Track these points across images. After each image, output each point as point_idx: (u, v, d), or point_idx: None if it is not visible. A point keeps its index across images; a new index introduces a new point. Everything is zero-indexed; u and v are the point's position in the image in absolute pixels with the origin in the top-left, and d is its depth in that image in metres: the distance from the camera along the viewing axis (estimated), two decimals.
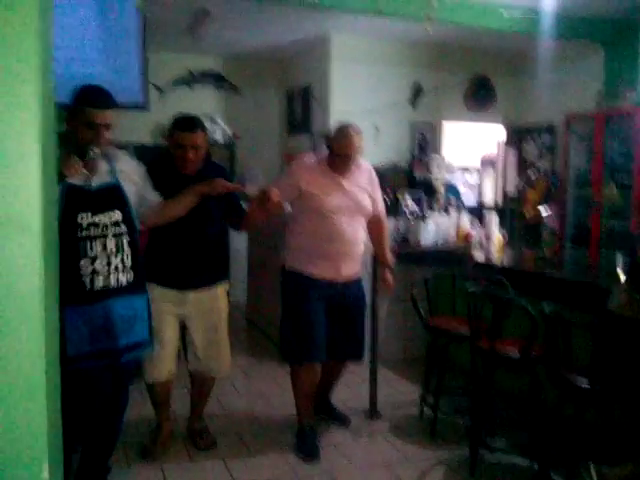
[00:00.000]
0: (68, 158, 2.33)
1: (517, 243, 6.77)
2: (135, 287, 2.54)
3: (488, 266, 3.78)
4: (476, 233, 4.48)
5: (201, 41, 6.60)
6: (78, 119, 2.43)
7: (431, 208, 4.72)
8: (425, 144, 7.17)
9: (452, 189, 6.09)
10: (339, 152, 3.13)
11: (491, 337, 2.94)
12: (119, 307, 2.48)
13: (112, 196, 2.50)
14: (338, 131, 3.21)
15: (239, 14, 5.81)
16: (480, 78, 7.17)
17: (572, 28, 5.65)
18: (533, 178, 6.55)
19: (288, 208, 3.28)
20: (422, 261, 4.33)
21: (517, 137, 7.25)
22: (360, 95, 6.63)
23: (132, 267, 2.53)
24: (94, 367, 2.44)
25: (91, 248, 2.41)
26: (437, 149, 7.23)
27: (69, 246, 2.33)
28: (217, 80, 7.60)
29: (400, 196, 4.69)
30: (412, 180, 4.97)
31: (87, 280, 2.40)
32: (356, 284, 3.35)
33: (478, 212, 6.53)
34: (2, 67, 1.10)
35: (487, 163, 8.33)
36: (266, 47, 7.16)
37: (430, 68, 6.91)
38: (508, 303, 2.95)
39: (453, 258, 4.09)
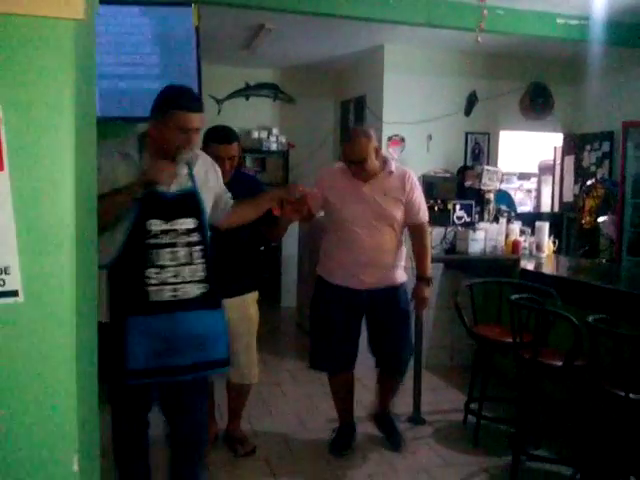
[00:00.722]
0: (159, 164, 2.23)
1: (573, 251, 6.68)
2: (208, 301, 2.34)
3: (536, 274, 3.76)
4: (526, 241, 4.46)
5: (256, 55, 6.80)
6: (169, 123, 2.23)
7: (481, 217, 4.72)
8: (480, 153, 7.16)
9: (504, 198, 6.04)
10: (346, 158, 3.08)
11: (534, 346, 2.94)
12: (187, 322, 2.29)
13: (188, 203, 2.32)
14: (347, 136, 3.15)
15: (295, 27, 5.97)
16: (537, 86, 7.10)
17: (628, 35, 5.55)
18: (590, 186, 6.42)
19: (320, 213, 3.25)
20: (469, 269, 4.34)
21: (575, 144, 7.14)
22: (413, 105, 6.69)
23: (205, 279, 2.32)
24: (150, 385, 2.33)
25: (159, 257, 2.24)
26: (493, 158, 7.22)
27: (136, 253, 2.22)
28: (273, 91, 7.80)
29: (450, 205, 4.71)
30: (462, 189, 4.98)
31: (152, 290, 2.23)
32: (388, 293, 3.18)
33: (534, 218, 6.48)
34: (39, 99, 1.20)
35: (545, 169, 8.24)
36: (321, 58, 7.31)
37: (485, 77, 6.90)
38: (549, 313, 2.95)
39: (501, 266, 4.08)
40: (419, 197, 3.20)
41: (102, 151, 2.02)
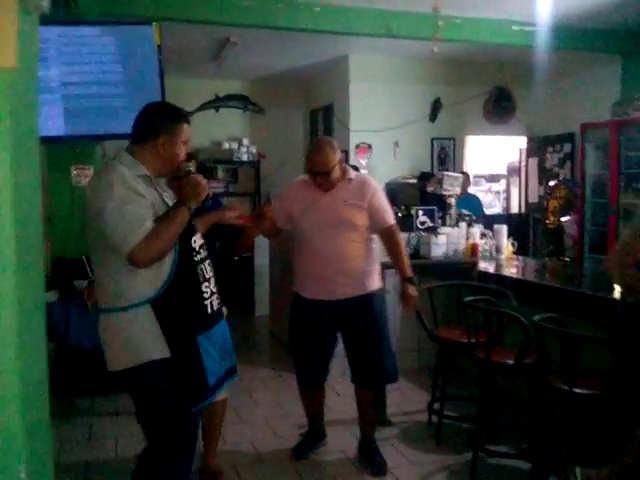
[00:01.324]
0: (198, 179, 2.26)
1: (539, 252, 6.85)
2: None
3: (492, 276, 3.89)
4: (486, 244, 4.59)
5: (224, 67, 6.90)
6: (179, 137, 2.25)
7: (444, 222, 4.85)
8: (446, 158, 7.32)
9: (471, 201, 6.19)
10: (312, 169, 3.08)
11: (487, 346, 3.06)
12: (226, 325, 2.45)
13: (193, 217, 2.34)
14: (312, 147, 3.19)
15: (259, 40, 6.08)
16: (500, 90, 7.28)
17: (589, 40, 5.74)
18: (553, 186, 6.59)
19: (284, 227, 3.28)
20: (432, 273, 4.46)
21: (538, 147, 7.32)
22: (379, 112, 6.83)
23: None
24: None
25: (206, 270, 2.31)
26: (459, 162, 7.38)
27: (189, 272, 2.24)
28: (242, 102, 7.89)
29: (413, 211, 4.83)
30: (425, 195, 5.11)
31: (208, 303, 2.29)
32: (360, 301, 3.13)
33: (503, 220, 6.63)
34: None
35: (513, 171, 8.41)
36: (288, 69, 7.43)
37: (449, 83, 7.07)
38: (499, 313, 3.07)
39: (461, 269, 4.21)
40: (381, 201, 3.18)
41: (128, 175, 2.11)
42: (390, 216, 3.22)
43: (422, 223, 4.77)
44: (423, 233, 4.70)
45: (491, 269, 4.06)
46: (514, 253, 4.58)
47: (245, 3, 4.86)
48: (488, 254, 4.51)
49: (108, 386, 4.35)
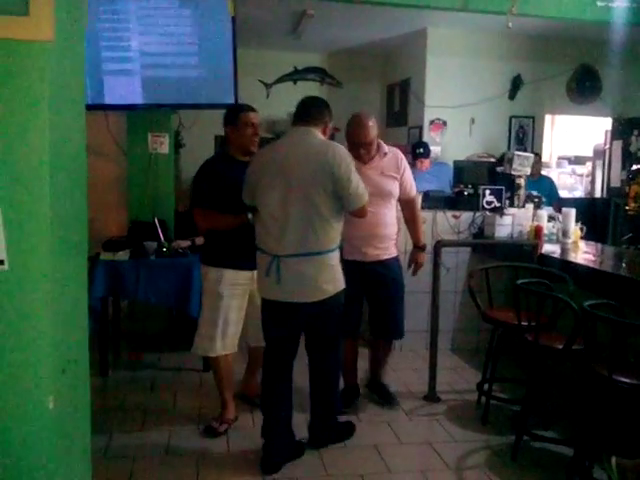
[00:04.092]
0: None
1: (619, 239, 6.56)
2: None
3: (552, 260, 3.80)
4: (554, 227, 4.47)
5: (302, 40, 6.95)
6: (330, 127, 2.96)
7: (511, 203, 4.74)
8: (524, 137, 7.11)
9: (544, 183, 6.02)
10: (355, 140, 3.36)
11: (537, 329, 3.03)
12: None
13: None
14: (352, 120, 3.44)
15: (336, 13, 6.09)
16: (585, 69, 6.98)
17: None
18: (636, 171, 6.28)
19: None
20: (495, 253, 4.41)
21: (623, 129, 6.97)
22: (456, 88, 6.70)
23: None
24: None
25: None
26: (537, 142, 7.16)
27: None
28: (320, 75, 7.91)
29: (479, 190, 4.76)
30: (494, 175, 5.01)
31: None
32: (388, 264, 3.54)
33: (583, 204, 6.40)
34: (16, 110, 1.45)
35: (600, 153, 8.04)
36: (366, 42, 7.39)
37: (531, 60, 6.83)
38: (550, 297, 3.02)
39: (522, 251, 4.12)
40: (410, 175, 3.61)
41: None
42: (414, 188, 3.65)
43: (488, 203, 4.69)
44: (488, 213, 4.63)
45: (553, 252, 3.96)
46: (583, 238, 4.42)
47: None
48: (555, 237, 4.39)
49: (173, 343, 4.63)
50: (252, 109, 3.35)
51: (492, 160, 6.53)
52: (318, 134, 2.86)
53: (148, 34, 4.45)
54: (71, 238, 1.75)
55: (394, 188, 3.49)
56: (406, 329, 4.69)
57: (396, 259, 3.63)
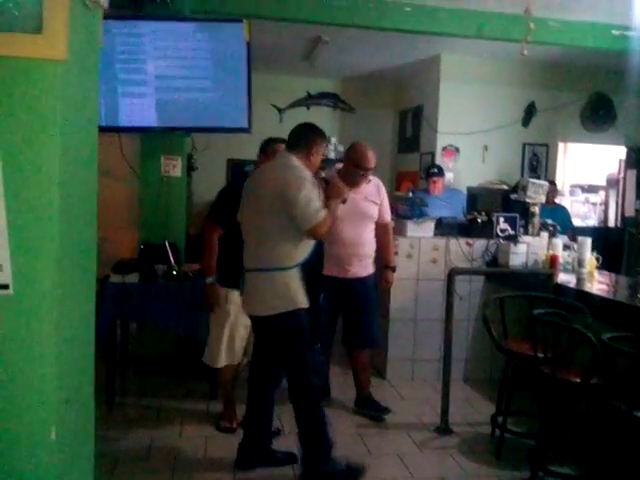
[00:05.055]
0: (341, 185, 3.03)
1: (633, 268, 6.46)
2: None
3: (568, 290, 3.73)
4: (569, 256, 4.40)
5: (314, 67, 6.98)
6: (319, 151, 3.05)
7: (526, 231, 4.68)
8: (537, 165, 7.07)
9: (559, 212, 5.95)
10: (365, 165, 3.71)
11: (553, 362, 2.95)
12: None
13: None
14: (359, 147, 3.82)
15: (350, 39, 6.11)
16: (599, 97, 6.95)
17: None
18: None
19: None
20: (509, 282, 4.33)
21: (637, 158, 6.92)
22: (469, 115, 6.69)
23: None
24: None
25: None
26: (551, 170, 7.11)
27: (320, 248, 3.07)
28: (333, 100, 7.94)
29: (493, 217, 4.70)
30: (508, 202, 4.95)
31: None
32: (365, 280, 3.89)
33: (597, 233, 6.32)
34: (28, 128, 1.43)
35: (613, 182, 7.96)
36: (380, 69, 7.42)
37: (545, 87, 6.82)
38: (567, 329, 2.95)
39: (537, 280, 4.06)
40: (387, 202, 4.03)
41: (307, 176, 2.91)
42: (389, 214, 4.07)
43: (502, 230, 4.63)
44: (502, 241, 4.57)
45: (569, 282, 3.89)
46: (598, 267, 4.35)
47: (336, 3, 4.91)
48: (570, 267, 4.32)
49: (180, 368, 4.56)
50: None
51: (505, 187, 6.50)
52: (293, 159, 2.96)
53: (164, 58, 4.47)
54: (80, 263, 1.71)
55: (375, 212, 3.90)
56: (418, 358, 4.68)
57: (371, 276, 3.96)
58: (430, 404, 4.16)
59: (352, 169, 3.74)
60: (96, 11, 1.63)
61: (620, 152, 7.37)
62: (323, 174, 3.16)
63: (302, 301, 2.89)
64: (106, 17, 4.38)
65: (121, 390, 4.23)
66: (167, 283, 4.00)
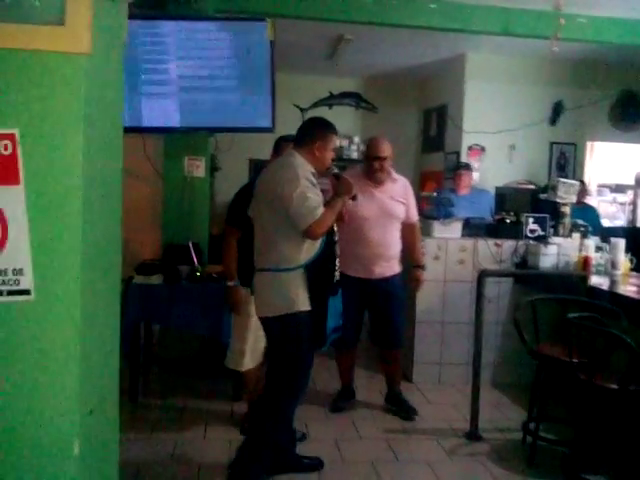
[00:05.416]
0: (348, 182, 2.89)
1: None
2: None
3: (603, 293, 3.61)
4: (602, 258, 4.27)
5: (339, 64, 6.91)
6: (329, 144, 2.93)
7: (556, 231, 4.56)
8: (565, 164, 6.92)
9: (588, 212, 5.81)
10: (373, 153, 3.70)
11: (590, 367, 2.84)
12: (340, 294, 3.01)
13: None
14: (370, 139, 3.88)
15: (373, 38, 6.03)
16: (628, 94, 6.78)
17: None
18: None
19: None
20: (539, 285, 4.22)
21: None
22: (495, 114, 6.57)
23: None
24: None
25: (338, 249, 2.97)
26: (579, 170, 6.96)
27: (331, 250, 2.90)
28: (356, 100, 7.86)
29: (522, 218, 4.59)
30: (537, 202, 4.84)
31: (337, 274, 2.94)
32: (391, 280, 3.83)
33: (626, 233, 6.16)
34: (50, 126, 1.37)
35: None
36: (403, 67, 7.32)
37: (572, 85, 6.67)
38: (603, 333, 2.84)
39: (570, 283, 3.94)
40: (414, 202, 3.96)
41: (307, 170, 2.82)
42: (416, 214, 4.01)
43: (532, 231, 4.52)
44: (532, 242, 4.45)
45: (603, 285, 3.77)
46: (632, 270, 4.22)
47: (360, 0, 4.83)
48: (603, 269, 4.18)
49: (203, 369, 4.52)
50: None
51: (532, 187, 6.37)
52: (296, 156, 2.89)
53: (187, 58, 4.43)
54: (104, 266, 1.65)
55: (401, 212, 3.82)
56: (445, 361, 4.59)
57: (399, 275, 3.90)
58: (458, 409, 4.07)
59: (367, 162, 3.78)
60: (121, 4, 1.57)
61: None
62: (336, 170, 3.04)
63: (303, 304, 2.79)
64: (129, 17, 4.41)
65: (144, 391, 4.20)
66: (190, 284, 3.96)
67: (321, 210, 2.74)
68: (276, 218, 2.80)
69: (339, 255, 3.68)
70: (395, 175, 3.86)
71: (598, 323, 3.04)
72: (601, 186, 8.24)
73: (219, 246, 4.27)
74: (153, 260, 4.35)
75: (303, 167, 2.83)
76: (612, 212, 8.35)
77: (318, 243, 2.83)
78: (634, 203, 8.03)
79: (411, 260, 3.98)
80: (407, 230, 3.92)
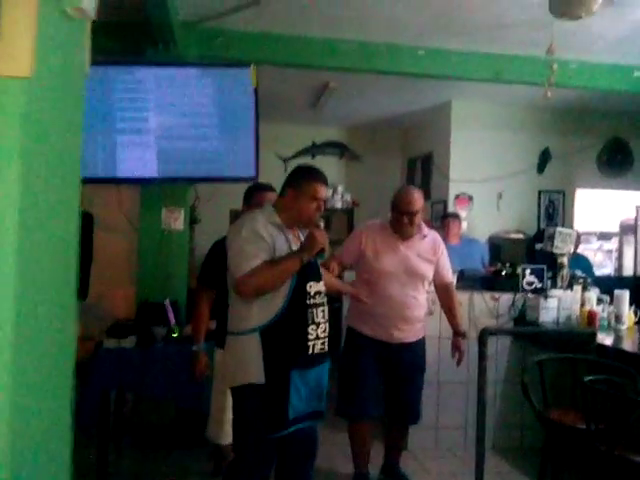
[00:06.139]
0: (321, 233, 2.50)
1: None
2: (328, 354, 2.61)
3: (615, 351, 3.36)
4: (604, 311, 4.04)
5: (322, 113, 6.78)
6: (305, 192, 2.51)
7: (554, 283, 4.34)
8: (554, 212, 6.79)
9: (581, 261, 5.62)
10: (402, 209, 3.28)
11: (611, 437, 2.57)
12: (324, 372, 2.59)
13: (317, 267, 2.63)
14: (401, 190, 3.46)
15: (359, 86, 5.92)
16: (616, 142, 6.72)
17: None
18: None
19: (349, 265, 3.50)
20: (540, 342, 3.97)
21: None
22: (482, 162, 6.45)
23: (328, 335, 2.60)
24: (308, 427, 2.55)
25: (316, 315, 2.52)
26: (568, 218, 6.83)
27: (299, 313, 2.47)
28: (339, 149, 7.74)
29: (519, 269, 4.37)
30: (533, 253, 4.64)
31: (311, 345, 2.49)
32: (413, 347, 3.42)
33: (615, 283, 5.97)
34: None
35: (627, 228, 7.66)
36: (388, 116, 7.22)
37: (559, 132, 6.60)
38: (630, 401, 2.58)
39: (575, 340, 3.69)
40: (447, 259, 3.53)
41: (259, 222, 2.46)
42: (450, 273, 3.60)
43: (529, 283, 4.30)
44: (530, 295, 4.22)
45: (612, 342, 3.53)
46: (636, 324, 4.00)
47: (345, 46, 4.70)
48: (606, 324, 3.95)
49: (181, 439, 4.15)
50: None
51: (522, 237, 6.21)
52: (261, 210, 2.62)
53: (165, 105, 4.22)
54: (48, 315, 1.35)
55: (428, 271, 3.42)
56: (441, 425, 4.27)
57: (421, 341, 3.52)
58: (457, 478, 3.74)
59: (394, 215, 3.35)
60: (80, 22, 1.32)
61: (636, 198, 7.10)
62: (321, 222, 2.66)
63: (255, 376, 2.41)
64: (105, 63, 4.20)
65: (116, 468, 3.80)
66: (166, 347, 3.64)
67: (255, 262, 2.37)
68: (229, 275, 2.52)
69: (352, 311, 3.45)
70: (425, 230, 3.45)
71: (615, 387, 2.78)
72: (586, 234, 8.13)
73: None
74: (126, 321, 4.02)
75: (257, 220, 2.48)
76: (599, 260, 8.23)
77: (277, 304, 2.43)
78: (619, 250, 7.92)
79: (451, 326, 3.56)
80: (442, 292, 3.55)
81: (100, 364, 3.42)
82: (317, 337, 2.50)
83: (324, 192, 2.57)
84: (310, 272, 2.52)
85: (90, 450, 3.53)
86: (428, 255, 3.39)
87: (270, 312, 2.43)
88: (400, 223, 3.30)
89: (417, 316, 3.40)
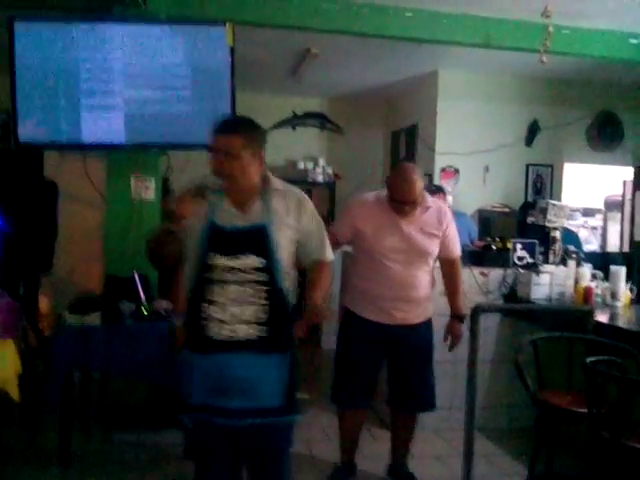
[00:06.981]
0: (183, 199, 2.20)
1: None
2: (266, 345, 2.21)
3: (615, 330, 3.18)
4: (599, 288, 3.87)
5: (303, 82, 6.49)
6: (210, 148, 2.20)
7: (545, 259, 4.16)
8: (542, 187, 6.60)
9: (571, 237, 5.45)
10: (397, 198, 2.97)
11: (613, 422, 2.38)
12: (237, 364, 2.20)
13: (254, 239, 2.20)
14: (398, 173, 3.05)
15: (342, 52, 5.62)
16: (606, 114, 6.51)
17: None
18: None
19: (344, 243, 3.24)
20: (531, 319, 3.78)
21: None
22: (469, 134, 6.20)
23: (267, 322, 2.20)
24: (211, 422, 2.22)
25: (212, 292, 2.19)
26: (556, 192, 6.65)
27: (198, 288, 2.23)
28: (320, 120, 7.45)
29: (509, 244, 4.18)
30: (524, 227, 4.45)
31: (204, 325, 2.21)
32: (418, 328, 3.15)
33: (600, 259, 5.83)
34: None
35: (612, 205, 7.53)
36: (371, 86, 6.93)
37: (549, 104, 6.36)
38: (635, 383, 2.39)
39: (570, 318, 3.51)
40: (454, 232, 3.18)
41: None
42: (458, 248, 3.25)
43: (520, 258, 4.11)
44: (521, 271, 4.03)
45: (610, 319, 3.35)
46: (631, 300, 3.83)
47: (327, 6, 4.40)
48: (601, 300, 3.78)
49: (153, 420, 3.93)
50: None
51: (507, 210, 6.03)
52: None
53: (134, 65, 3.91)
54: None
55: (433, 247, 3.09)
56: None
57: (426, 322, 3.21)
58: (443, 462, 3.59)
59: (393, 203, 3.02)
60: None
61: (624, 173, 6.94)
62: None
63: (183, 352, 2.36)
64: (67, 19, 3.87)
65: (81, 452, 3.56)
66: (135, 324, 3.39)
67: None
68: None
69: (349, 291, 3.23)
70: (428, 201, 3.09)
71: (618, 367, 2.60)
72: (571, 210, 7.98)
73: (171, 278, 3.74)
74: (89, 296, 3.73)
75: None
76: (585, 236, 8.11)
77: (189, 276, 2.30)
78: (604, 228, 7.80)
79: (450, 307, 3.27)
80: (446, 267, 3.24)
81: (62, 342, 3.17)
82: (212, 318, 2.19)
83: (218, 142, 2.16)
84: (217, 243, 2.20)
85: (55, 432, 3.30)
86: (432, 229, 3.06)
87: (188, 283, 2.29)
88: (397, 209, 3.00)
89: (422, 296, 3.12)
